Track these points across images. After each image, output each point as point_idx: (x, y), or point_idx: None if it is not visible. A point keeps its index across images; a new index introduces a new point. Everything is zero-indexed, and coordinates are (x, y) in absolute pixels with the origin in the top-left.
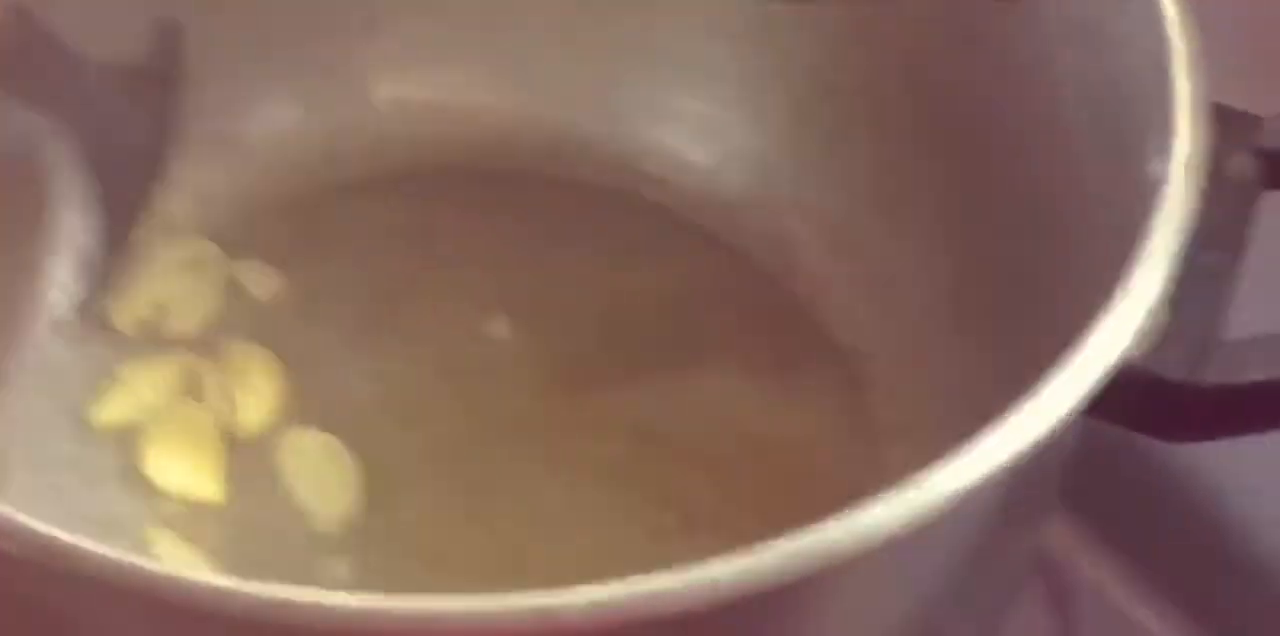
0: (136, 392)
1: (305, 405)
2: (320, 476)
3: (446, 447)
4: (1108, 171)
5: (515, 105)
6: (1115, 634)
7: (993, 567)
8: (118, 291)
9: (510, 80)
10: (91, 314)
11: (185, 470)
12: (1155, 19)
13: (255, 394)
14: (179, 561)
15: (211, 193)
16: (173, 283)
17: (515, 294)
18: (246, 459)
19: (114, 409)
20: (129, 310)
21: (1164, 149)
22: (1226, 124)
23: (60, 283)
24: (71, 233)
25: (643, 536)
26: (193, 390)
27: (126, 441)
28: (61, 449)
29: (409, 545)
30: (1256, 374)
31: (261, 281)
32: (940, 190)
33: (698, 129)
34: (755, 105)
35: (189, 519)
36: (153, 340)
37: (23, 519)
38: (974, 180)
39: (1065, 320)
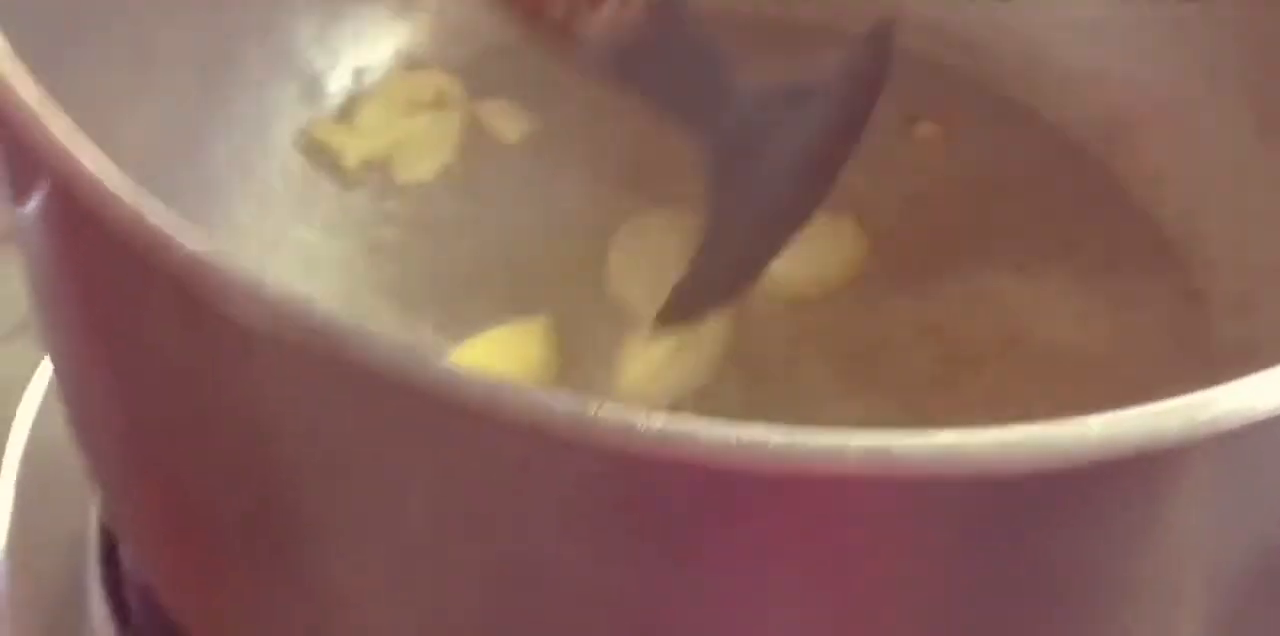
0: None
1: None
2: None
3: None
4: None
5: None
6: None
7: None
8: (346, 123)
9: None
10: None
11: None
12: None
13: None
14: None
15: (458, 22)
16: (408, 122)
17: None
18: None
19: None
20: (356, 146)
21: None
22: None
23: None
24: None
25: None
26: None
27: None
28: None
29: None
30: None
31: (509, 123)
32: None
33: None
34: None
35: None
36: (381, 181)
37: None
38: None
39: None
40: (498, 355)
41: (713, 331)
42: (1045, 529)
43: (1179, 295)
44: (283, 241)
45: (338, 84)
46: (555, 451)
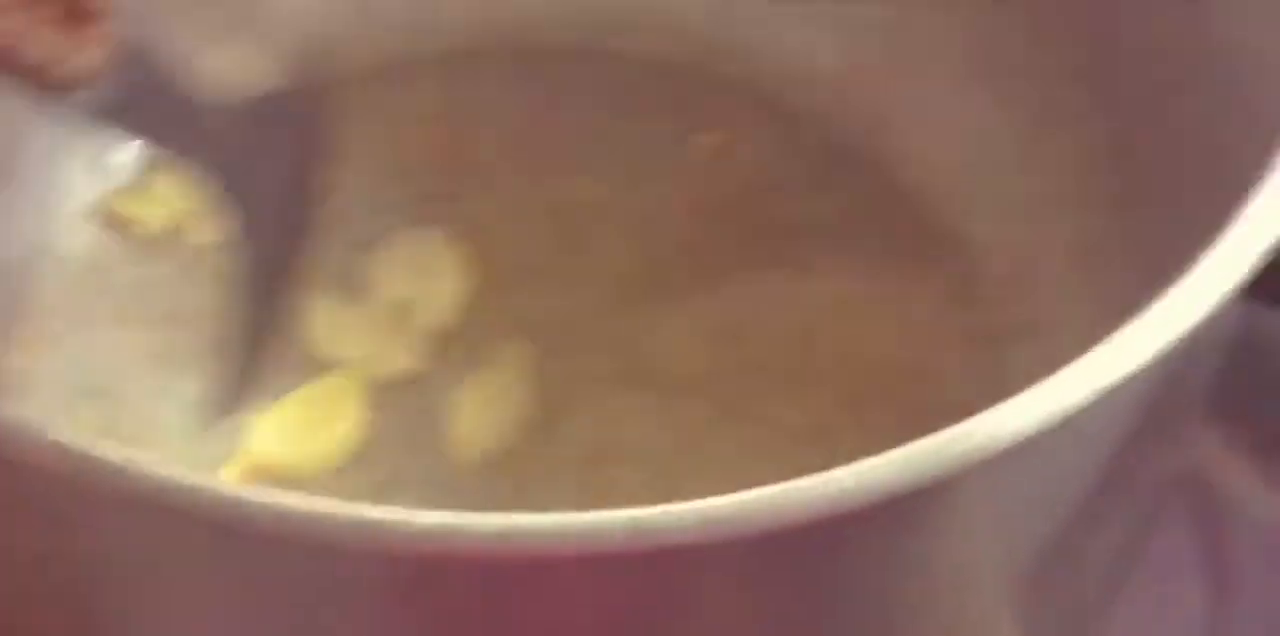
0: None
1: None
2: None
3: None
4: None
5: None
6: (1269, 554)
7: (1134, 481)
8: (140, 193)
9: None
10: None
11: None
12: None
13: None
14: None
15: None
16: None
17: (586, 184)
18: None
19: None
20: (152, 213)
21: None
22: None
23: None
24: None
25: (732, 451)
26: None
27: None
28: None
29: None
30: None
31: None
32: (1053, 57)
33: None
34: None
35: None
36: (178, 246)
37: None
38: (1095, 43)
39: (1205, 197)
40: (310, 414)
41: (518, 373)
42: (817, 570)
43: (958, 281)
44: (91, 316)
45: (125, 154)
46: (311, 556)
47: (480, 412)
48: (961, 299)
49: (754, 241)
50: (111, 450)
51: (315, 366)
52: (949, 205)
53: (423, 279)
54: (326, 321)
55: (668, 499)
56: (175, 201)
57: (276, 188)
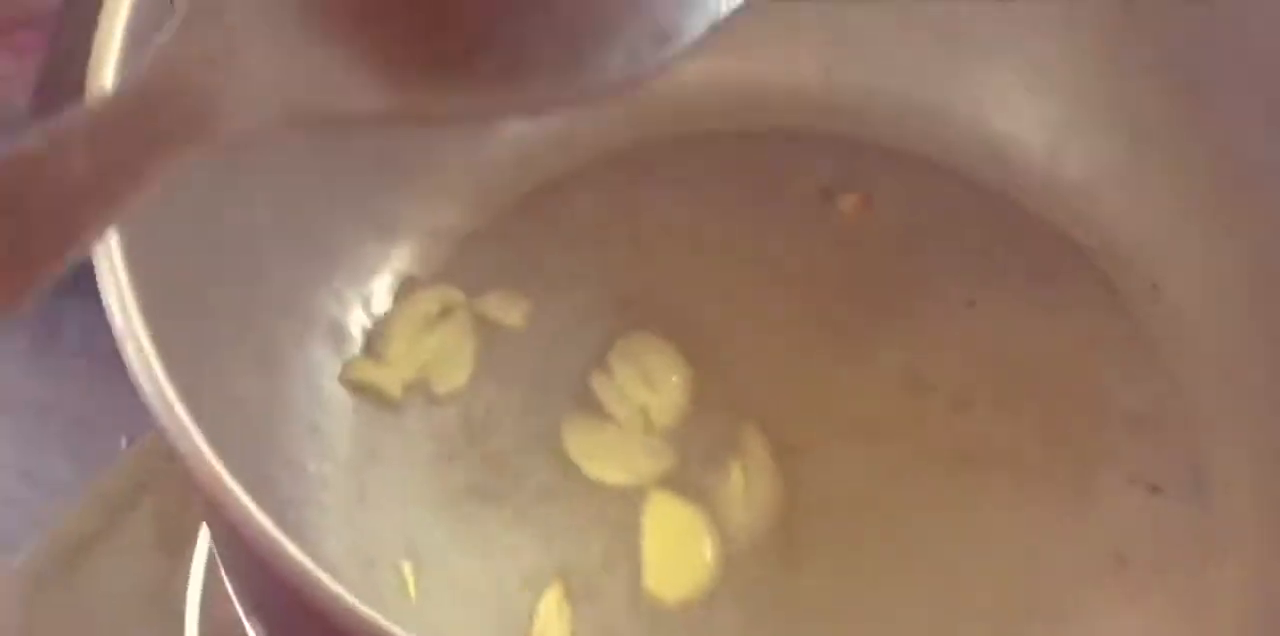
0: None
1: None
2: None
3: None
4: None
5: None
6: None
7: None
8: (377, 357)
9: None
10: (356, 384)
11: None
12: None
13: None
14: None
15: (434, 227)
16: (429, 339)
17: (761, 263)
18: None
19: None
20: (394, 375)
21: None
22: None
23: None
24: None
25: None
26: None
27: None
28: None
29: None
30: None
31: (510, 310)
32: None
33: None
34: None
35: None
36: (426, 398)
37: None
38: None
39: None
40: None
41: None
42: None
43: (1101, 293)
44: (366, 485)
45: (356, 323)
46: None
47: (745, 496)
48: (1105, 308)
49: (915, 287)
50: None
51: (588, 484)
52: (1088, 230)
53: (652, 382)
54: (581, 441)
55: None
56: (411, 360)
57: None
